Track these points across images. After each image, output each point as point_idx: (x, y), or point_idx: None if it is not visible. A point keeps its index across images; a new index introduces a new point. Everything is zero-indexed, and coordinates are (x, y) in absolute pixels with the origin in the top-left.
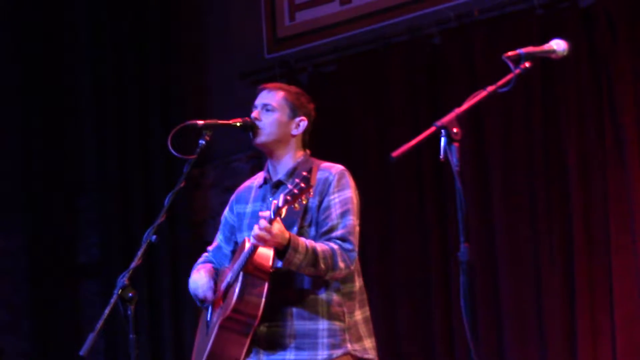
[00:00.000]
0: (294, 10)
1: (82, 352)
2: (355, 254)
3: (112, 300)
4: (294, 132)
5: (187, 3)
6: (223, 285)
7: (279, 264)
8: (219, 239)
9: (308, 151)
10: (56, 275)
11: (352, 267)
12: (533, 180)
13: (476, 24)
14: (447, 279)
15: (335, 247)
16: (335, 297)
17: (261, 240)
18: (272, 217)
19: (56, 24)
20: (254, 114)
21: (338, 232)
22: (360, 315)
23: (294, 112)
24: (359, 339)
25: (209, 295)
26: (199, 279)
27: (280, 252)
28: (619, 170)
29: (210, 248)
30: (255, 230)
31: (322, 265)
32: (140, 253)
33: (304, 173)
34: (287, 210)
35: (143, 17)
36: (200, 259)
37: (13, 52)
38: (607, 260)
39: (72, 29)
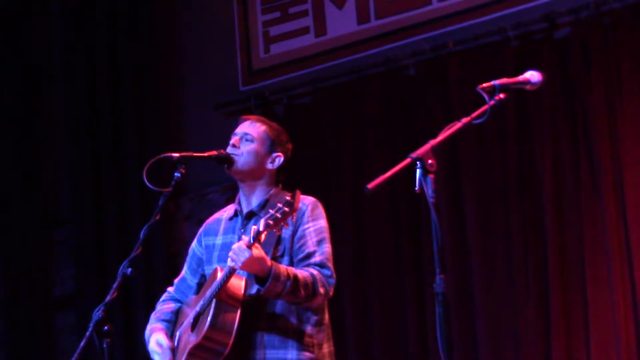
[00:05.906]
0: (268, 43)
1: None
2: (334, 280)
3: (88, 334)
4: (269, 166)
5: (163, 34)
6: (192, 316)
7: (254, 290)
8: (185, 270)
9: (280, 186)
10: (32, 307)
11: (331, 294)
12: (508, 212)
13: (451, 55)
14: (423, 310)
15: (315, 272)
16: (307, 327)
17: (238, 263)
18: (252, 241)
19: (31, 56)
20: (233, 141)
21: (316, 259)
22: (327, 348)
23: (273, 147)
24: None
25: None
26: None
27: (260, 279)
28: (593, 202)
29: (175, 281)
30: (232, 254)
31: (302, 292)
32: (115, 286)
33: (287, 197)
34: (265, 237)
35: (118, 48)
36: (162, 297)
37: None
38: (582, 290)
39: (47, 60)
